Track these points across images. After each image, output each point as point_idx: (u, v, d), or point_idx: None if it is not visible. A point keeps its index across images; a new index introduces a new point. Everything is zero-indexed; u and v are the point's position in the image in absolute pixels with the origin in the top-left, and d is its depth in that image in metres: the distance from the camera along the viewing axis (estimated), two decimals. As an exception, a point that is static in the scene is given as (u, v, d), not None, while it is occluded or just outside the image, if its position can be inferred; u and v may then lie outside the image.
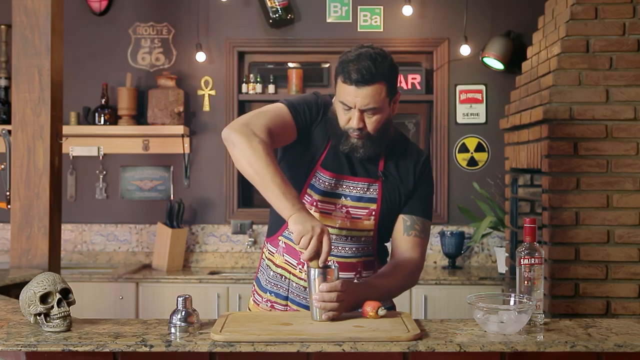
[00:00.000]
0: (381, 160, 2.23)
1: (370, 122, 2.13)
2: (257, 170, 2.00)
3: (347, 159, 2.21)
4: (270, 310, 2.26)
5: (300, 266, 2.20)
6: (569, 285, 3.18)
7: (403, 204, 2.24)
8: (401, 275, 2.18)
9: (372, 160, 2.22)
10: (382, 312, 1.94)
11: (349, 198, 2.20)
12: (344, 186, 2.20)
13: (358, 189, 2.21)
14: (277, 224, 2.28)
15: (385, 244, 2.33)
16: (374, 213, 2.21)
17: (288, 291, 2.23)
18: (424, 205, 2.27)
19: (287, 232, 2.24)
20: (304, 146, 2.22)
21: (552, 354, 1.75)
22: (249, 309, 2.39)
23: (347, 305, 1.97)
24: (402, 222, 2.24)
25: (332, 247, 2.16)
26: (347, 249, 2.21)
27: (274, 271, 2.27)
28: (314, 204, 2.20)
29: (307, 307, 2.17)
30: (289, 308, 2.23)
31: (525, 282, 1.95)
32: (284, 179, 2.01)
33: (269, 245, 2.32)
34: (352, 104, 2.10)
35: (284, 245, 2.25)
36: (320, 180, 2.20)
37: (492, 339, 1.78)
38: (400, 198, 2.24)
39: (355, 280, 2.21)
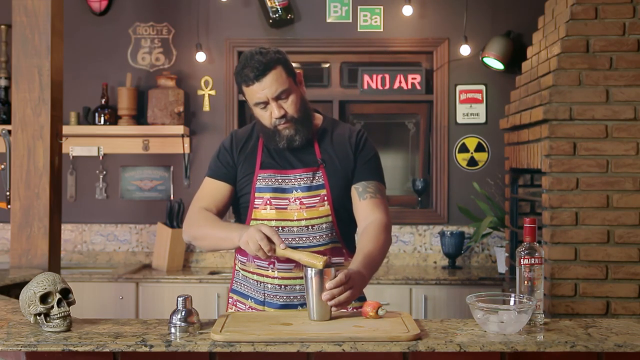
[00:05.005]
0: (315, 147, 2.30)
1: (288, 106, 2.23)
2: (207, 238, 2.24)
3: (283, 156, 2.29)
4: None
5: (271, 266, 2.26)
6: (569, 285, 3.18)
7: (350, 179, 2.30)
8: (374, 238, 2.20)
9: (307, 149, 2.29)
10: (382, 312, 1.94)
11: (299, 190, 2.27)
12: (291, 180, 2.27)
13: (304, 179, 2.27)
14: None
15: (353, 233, 2.38)
16: (326, 198, 2.26)
17: (264, 295, 2.29)
18: (370, 170, 2.32)
19: None
20: (242, 171, 2.32)
21: (552, 354, 1.75)
22: None
23: (356, 293, 2.00)
24: (355, 191, 2.30)
25: (297, 238, 2.24)
26: (311, 238, 2.26)
27: (251, 279, 2.33)
28: (268, 202, 2.26)
29: (283, 307, 2.25)
30: None
31: (525, 282, 1.95)
32: (224, 224, 2.23)
33: (239, 256, 2.39)
34: (264, 99, 2.20)
35: None
36: (263, 180, 2.27)
37: (492, 339, 1.78)
38: (346, 176, 2.29)
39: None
